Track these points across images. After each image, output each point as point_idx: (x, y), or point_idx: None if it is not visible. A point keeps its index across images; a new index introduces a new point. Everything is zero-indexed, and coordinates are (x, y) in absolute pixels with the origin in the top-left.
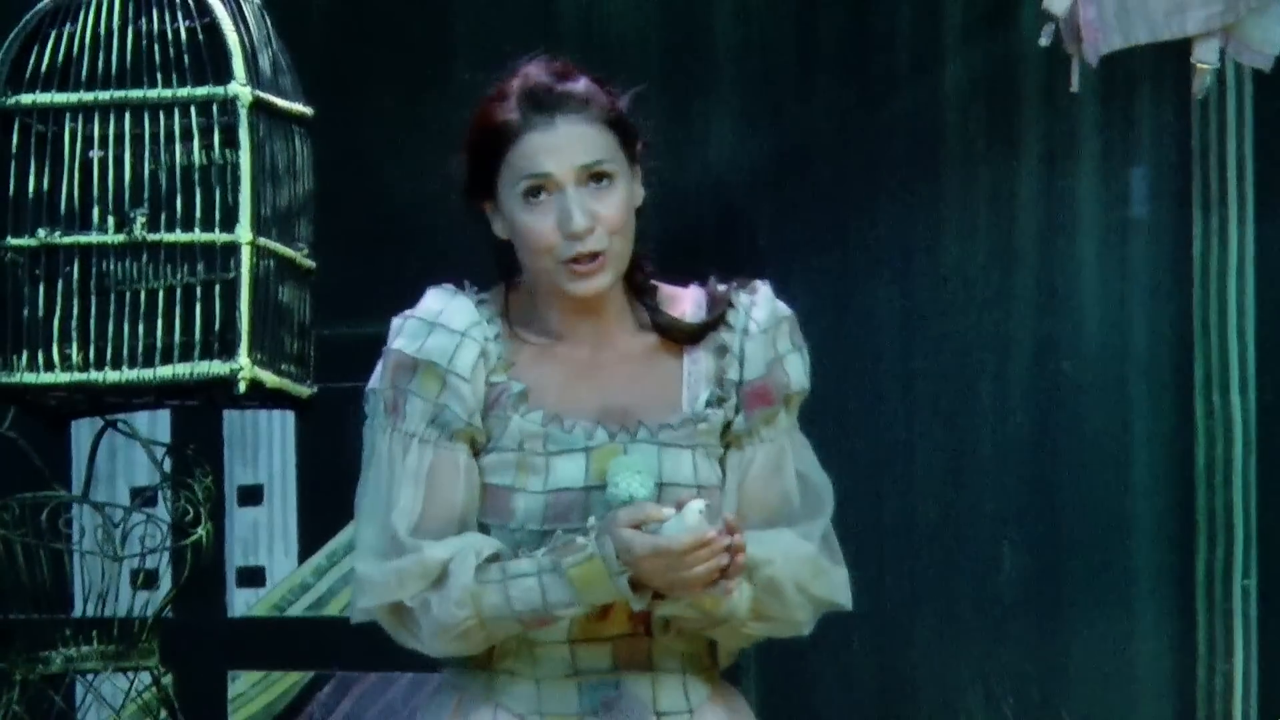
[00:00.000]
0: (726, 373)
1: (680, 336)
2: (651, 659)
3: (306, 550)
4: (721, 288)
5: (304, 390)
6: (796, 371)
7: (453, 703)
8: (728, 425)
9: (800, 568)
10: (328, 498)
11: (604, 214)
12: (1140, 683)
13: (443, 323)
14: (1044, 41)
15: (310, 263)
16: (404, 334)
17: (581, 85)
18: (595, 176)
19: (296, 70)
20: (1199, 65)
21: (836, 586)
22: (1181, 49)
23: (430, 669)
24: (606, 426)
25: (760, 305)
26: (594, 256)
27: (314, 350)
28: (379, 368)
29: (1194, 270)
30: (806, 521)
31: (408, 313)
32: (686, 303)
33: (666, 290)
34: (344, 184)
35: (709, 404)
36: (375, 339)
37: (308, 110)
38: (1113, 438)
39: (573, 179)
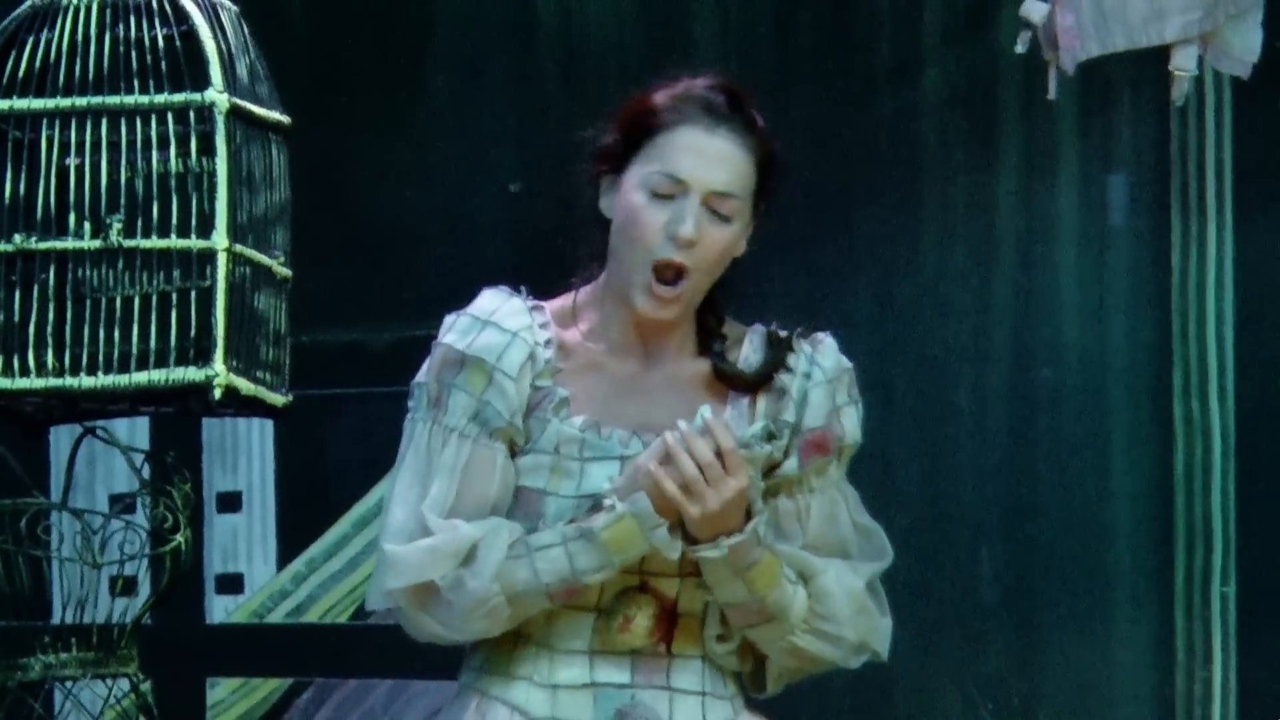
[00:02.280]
0: (782, 414)
1: (739, 386)
2: (669, 678)
3: (285, 557)
4: (783, 333)
5: (279, 398)
6: (852, 424)
7: (473, 705)
8: (774, 467)
9: (850, 593)
10: (306, 504)
11: (707, 243)
12: (1119, 689)
13: (495, 321)
14: (1021, 49)
15: (286, 271)
16: (455, 330)
17: (754, 117)
18: (718, 206)
19: (273, 78)
20: (1177, 72)
21: (878, 631)
22: (1160, 56)
23: (409, 675)
24: (643, 437)
25: (826, 354)
26: (679, 274)
27: (290, 358)
28: (427, 361)
29: (1173, 277)
30: (862, 563)
31: (460, 310)
32: (744, 343)
33: (728, 329)
34: (321, 192)
35: (759, 437)
36: (351, 346)
37: (285, 118)
38: (1091, 445)
39: (700, 194)
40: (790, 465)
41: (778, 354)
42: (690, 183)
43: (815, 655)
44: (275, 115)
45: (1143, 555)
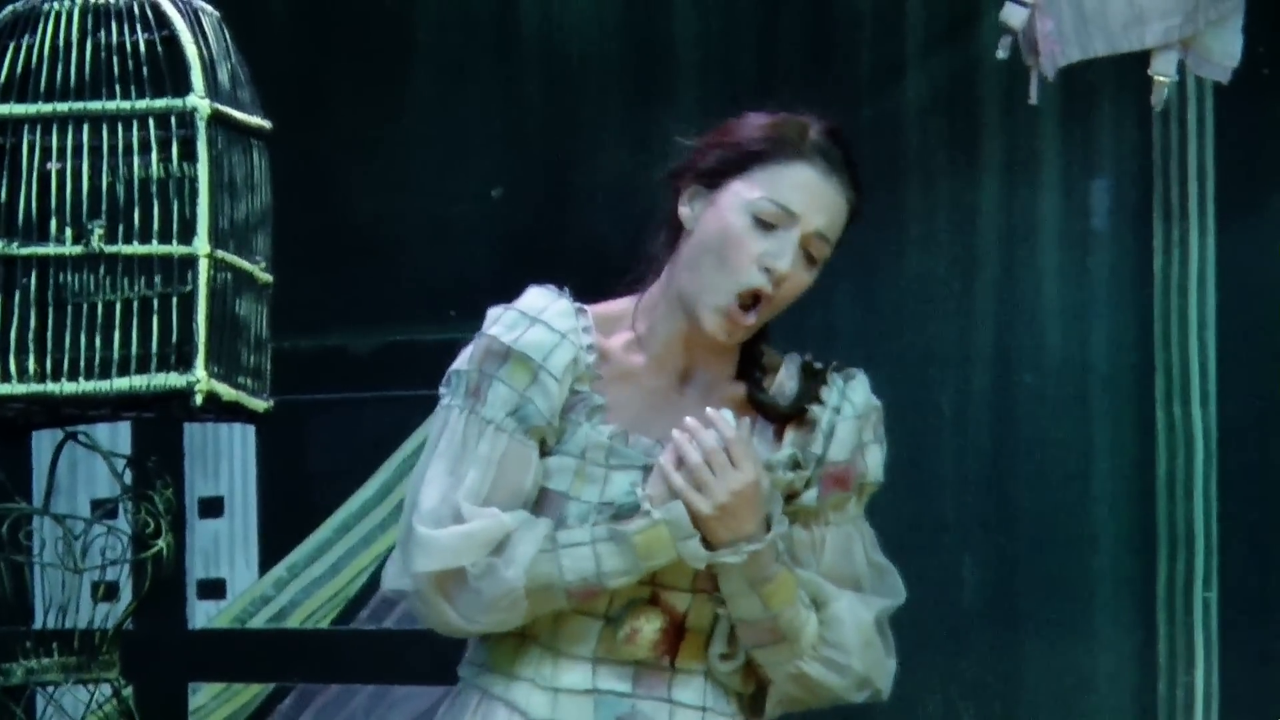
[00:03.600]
0: (809, 445)
1: (773, 416)
2: (671, 691)
3: (267, 562)
4: (817, 365)
5: (260, 403)
6: (875, 463)
7: (473, 703)
8: (794, 495)
9: (860, 624)
10: (288, 510)
11: (793, 280)
12: (1100, 694)
13: (545, 320)
14: (1001, 54)
15: (267, 276)
16: (501, 323)
17: (859, 175)
18: (813, 248)
19: (255, 83)
20: (1158, 78)
21: (883, 667)
22: (1141, 60)
23: (390, 681)
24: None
25: (857, 391)
26: (756, 302)
27: (271, 363)
28: (468, 351)
29: (1154, 282)
30: (874, 598)
31: (507, 305)
32: (780, 371)
33: (766, 356)
34: (302, 198)
35: (785, 464)
36: (332, 352)
37: (266, 124)
38: (1073, 450)
39: (804, 232)
40: (809, 496)
41: (812, 387)
42: (800, 219)
43: (820, 683)
44: (256, 120)
45: (1124, 560)
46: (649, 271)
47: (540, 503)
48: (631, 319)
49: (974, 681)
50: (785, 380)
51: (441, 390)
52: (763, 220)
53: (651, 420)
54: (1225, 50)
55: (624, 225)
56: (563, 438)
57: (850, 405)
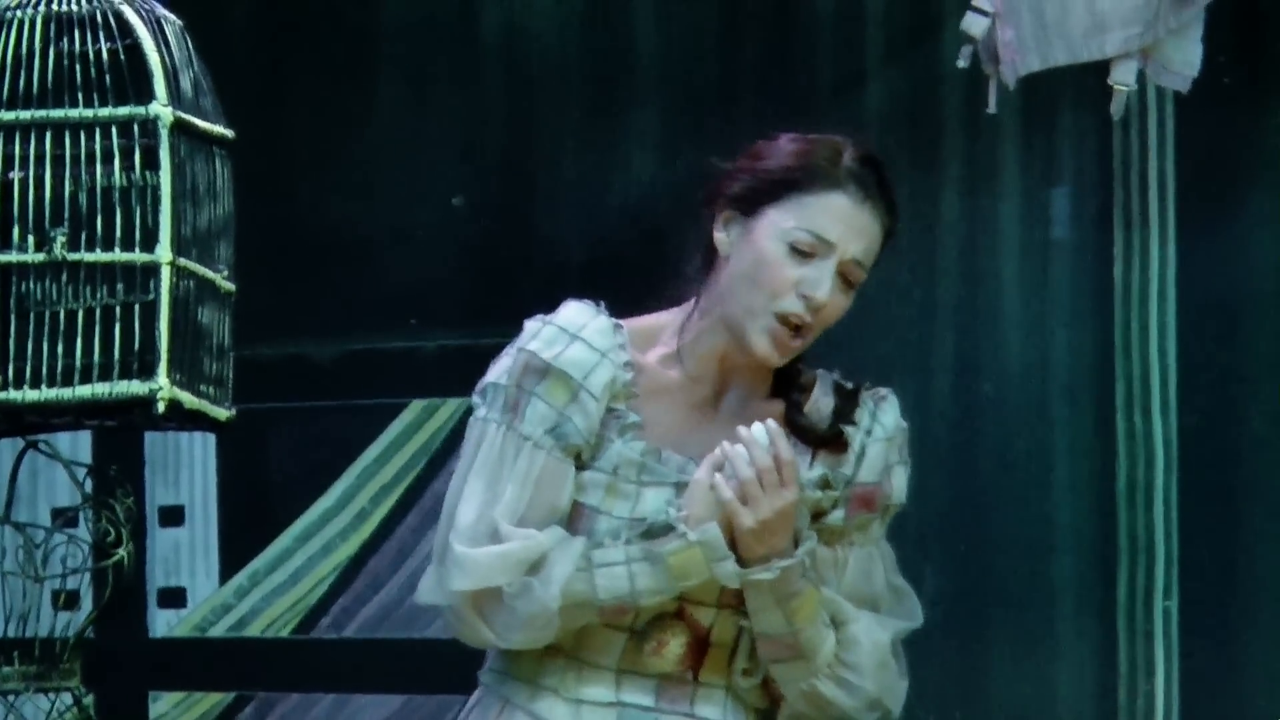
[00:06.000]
0: (840, 466)
1: (809, 439)
2: (693, 705)
3: (228, 571)
4: (848, 385)
5: (223, 412)
6: (900, 485)
7: (496, 711)
8: (821, 513)
9: (875, 645)
10: (249, 518)
11: (831, 306)
12: (1062, 703)
13: (585, 338)
14: (962, 63)
15: (230, 285)
16: (540, 338)
17: (894, 197)
18: (849, 274)
19: (217, 92)
20: (1118, 87)
21: (895, 690)
22: (1101, 70)
23: (352, 689)
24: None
25: (887, 412)
26: (797, 329)
27: (233, 371)
28: (503, 364)
29: (1115, 291)
30: (891, 619)
31: (546, 318)
32: (814, 389)
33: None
34: (265, 206)
35: (815, 483)
36: (295, 360)
37: (228, 132)
38: (1034, 458)
39: (840, 260)
40: (836, 516)
41: (846, 409)
42: (837, 247)
43: (832, 702)
44: (219, 129)
45: (1085, 569)
46: (686, 290)
47: (571, 516)
48: (668, 335)
49: (935, 691)
50: (820, 398)
51: (475, 400)
52: (799, 249)
53: (684, 438)
54: (1185, 59)
55: (585, 233)
56: (596, 453)
57: (881, 427)
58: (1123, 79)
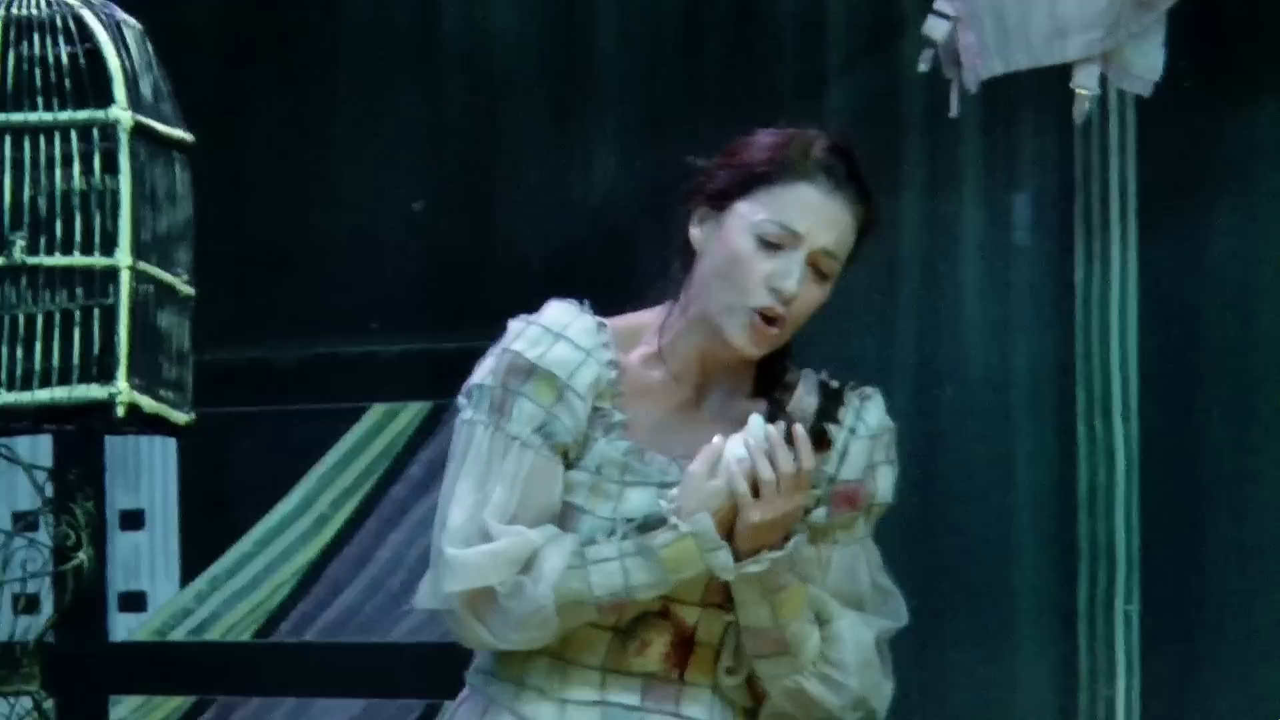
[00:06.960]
0: (822, 464)
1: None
2: (679, 704)
3: (188, 575)
4: (834, 384)
5: (182, 416)
6: (885, 484)
7: (481, 707)
8: (806, 511)
9: (860, 643)
10: (210, 522)
11: (804, 299)
12: (1022, 709)
13: (569, 337)
14: (923, 67)
15: (189, 289)
16: (524, 338)
17: (868, 184)
18: (821, 265)
19: (177, 96)
20: (1079, 91)
21: (880, 690)
22: (1063, 74)
23: (311, 694)
24: (683, 466)
25: (872, 411)
26: (772, 321)
27: (193, 376)
28: (488, 365)
29: (1076, 295)
30: (876, 619)
31: (529, 318)
32: (798, 388)
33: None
34: (224, 210)
35: None
36: (254, 364)
37: (188, 136)
38: (995, 463)
39: (809, 251)
40: (819, 514)
41: (830, 408)
42: (805, 239)
43: (816, 700)
44: (178, 133)
45: (1045, 574)
46: (670, 289)
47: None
48: (650, 335)
49: (895, 694)
50: (804, 397)
51: (460, 403)
52: (768, 241)
53: (668, 438)
54: (1147, 64)
55: (547, 237)
56: (581, 452)
57: (864, 425)
58: (1085, 83)
